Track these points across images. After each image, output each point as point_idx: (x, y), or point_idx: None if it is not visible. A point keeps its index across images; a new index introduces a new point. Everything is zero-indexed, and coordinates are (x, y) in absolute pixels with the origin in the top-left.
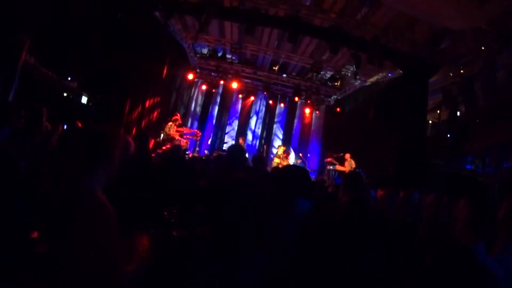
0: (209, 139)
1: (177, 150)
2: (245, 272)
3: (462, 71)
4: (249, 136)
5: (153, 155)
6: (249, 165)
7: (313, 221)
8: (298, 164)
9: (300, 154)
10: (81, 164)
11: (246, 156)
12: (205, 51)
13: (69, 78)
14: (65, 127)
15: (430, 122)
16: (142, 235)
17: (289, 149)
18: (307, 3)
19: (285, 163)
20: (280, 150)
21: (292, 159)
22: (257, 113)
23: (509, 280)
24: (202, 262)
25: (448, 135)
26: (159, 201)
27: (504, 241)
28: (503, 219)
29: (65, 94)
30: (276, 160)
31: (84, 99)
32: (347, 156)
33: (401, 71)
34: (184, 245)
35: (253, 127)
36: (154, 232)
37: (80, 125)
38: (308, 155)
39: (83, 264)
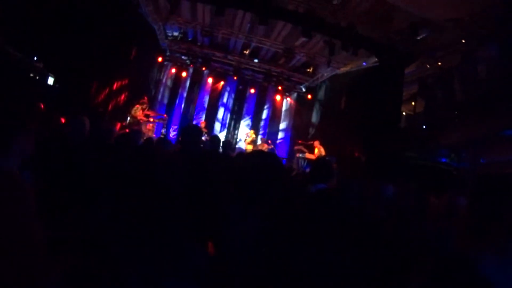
0: (176, 123)
1: (134, 134)
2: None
3: (439, 63)
4: (217, 126)
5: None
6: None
7: (277, 211)
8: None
9: (269, 141)
10: None
11: (201, 138)
12: (176, 33)
13: (35, 58)
14: None
15: (404, 113)
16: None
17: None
18: None
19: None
20: (251, 135)
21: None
22: (227, 98)
23: None
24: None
25: (424, 127)
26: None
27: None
28: None
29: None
30: (249, 146)
31: (50, 80)
32: (316, 143)
33: (376, 60)
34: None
35: (222, 112)
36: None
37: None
38: (278, 142)
39: None
